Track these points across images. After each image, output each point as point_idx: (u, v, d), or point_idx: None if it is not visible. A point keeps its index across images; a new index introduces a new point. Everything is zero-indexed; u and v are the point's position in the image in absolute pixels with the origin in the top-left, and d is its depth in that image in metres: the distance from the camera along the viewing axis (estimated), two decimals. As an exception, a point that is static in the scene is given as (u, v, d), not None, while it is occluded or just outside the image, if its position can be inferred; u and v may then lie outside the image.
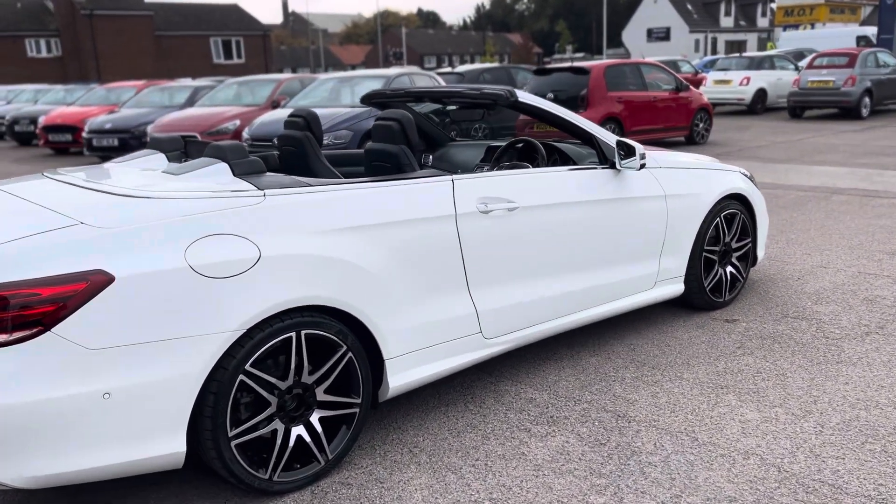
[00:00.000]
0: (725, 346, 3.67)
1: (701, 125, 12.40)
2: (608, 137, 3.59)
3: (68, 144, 14.41)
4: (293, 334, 2.46)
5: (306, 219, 2.55)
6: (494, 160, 4.06)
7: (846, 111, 15.91)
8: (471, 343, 3.04)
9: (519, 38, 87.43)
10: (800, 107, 16.39)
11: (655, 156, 3.88)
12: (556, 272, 3.33)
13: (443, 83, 11.08)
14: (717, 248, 4.12)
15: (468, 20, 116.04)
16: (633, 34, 60.73)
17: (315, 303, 2.51)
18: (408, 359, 2.82)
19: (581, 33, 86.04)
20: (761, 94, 18.05)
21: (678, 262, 3.92)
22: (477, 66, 13.84)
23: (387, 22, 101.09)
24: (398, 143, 3.18)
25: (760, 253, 4.46)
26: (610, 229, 3.51)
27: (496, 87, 3.40)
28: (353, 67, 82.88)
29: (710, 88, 18.33)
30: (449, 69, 13.66)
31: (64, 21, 40.16)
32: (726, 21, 58.21)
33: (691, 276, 4.02)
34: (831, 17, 51.00)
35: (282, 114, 9.71)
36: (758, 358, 3.51)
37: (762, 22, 59.93)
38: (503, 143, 4.18)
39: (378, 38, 74.93)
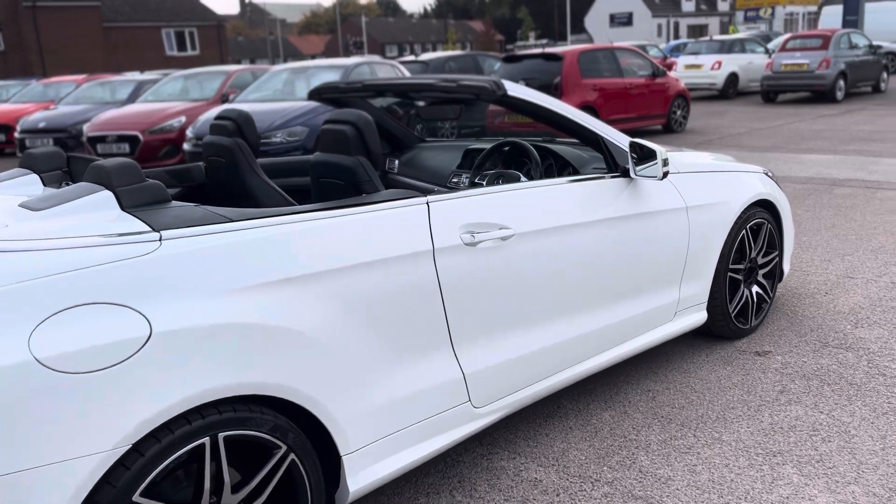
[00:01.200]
0: (764, 391, 3.00)
1: (679, 112, 11.81)
2: (619, 139, 2.88)
3: (2, 145, 13.30)
4: (206, 440, 1.71)
5: (223, 271, 1.79)
6: (476, 167, 3.32)
7: (820, 94, 15.49)
8: (457, 416, 2.31)
9: (481, 25, 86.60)
10: (773, 91, 15.93)
11: (671, 157, 3.18)
12: (562, 313, 2.61)
13: (406, 73, 10.29)
14: (741, 266, 3.45)
15: (428, 8, 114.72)
16: (595, 20, 60.34)
17: (238, 392, 1.75)
18: (374, 449, 2.08)
19: (543, 20, 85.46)
20: (733, 78, 17.57)
21: (701, 287, 3.24)
22: (441, 53, 13.05)
23: (346, 11, 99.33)
24: (353, 154, 2.42)
25: (786, 266, 3.80)
26: (624, 254, 2.80)
27: (478, 79, 2.65)
28: (314, 58, 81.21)
29: (681, 73, 17.78)
30: (412, 58, 12.86)
31: (5, 13, 38.25)
32: (688, 6, 58.11)
33: (715, 301, 3.34)
34: (791, 0, 51.13)
35: (230, 109, 8.82)
36: (808, 407, 2.84)
37: (723, 6, 59.99)
38: (485, 146, 3.45)
39: (337, 28, 73.46)
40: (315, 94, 3.39)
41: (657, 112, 11.38)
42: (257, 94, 9.54)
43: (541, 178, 3.09)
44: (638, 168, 2.79)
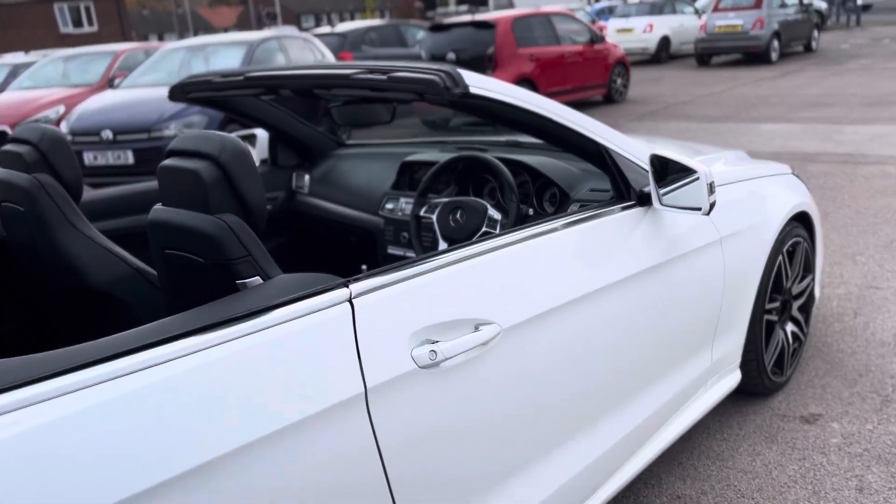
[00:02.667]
0: (837, 485, 2.16)
1: (619, 81, 11.03)
2: (632, 150, 1.94)
3: None
4: None
5: None
6: (421, 192, 2.35)
7: (754, 56, 15.03)
8: None
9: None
10: (707, 53, 15.37)
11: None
12: (574, 435, 1.69)
13: (322, 48, 9.11)
14: (776, 304, 2.60)
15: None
16: (515, -16, 59.31)
17: None
18: None
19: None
20: (665, 41, 16.96)
21: (734, 342, 2.37)
22: (360, 23, 11.85)
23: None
24: (216, 209, 1.41)
25: (818, 290, 2.98)
26: (648, 323, 1.89)
27: (420, 68, 1.66)
28: (226, 31, 77.43)
29: (613, 39, 17.06)
30: (328, 29, 11.62)
31: None
32: (606, -33, 57.68)
33: (749, 356, 2.48)
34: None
35: (113, 97, 7.51)
36: (906, 517, 2.02)
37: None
38: (428, 158, 2.47)
39: (249, -1, 70.19)
40: (178, 94, 2.31)
41: (597, 82, 10.57)
42: (148, 76, 8.21)
43: (517, 208, 2.13)
44: (664, 194, 1.86)
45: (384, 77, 1.70)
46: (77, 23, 39.13)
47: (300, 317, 1.20)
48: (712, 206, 1.79)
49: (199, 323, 1.14)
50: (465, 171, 2.37)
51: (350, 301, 1.27)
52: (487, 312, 1.44)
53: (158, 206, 1.52)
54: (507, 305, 1.48)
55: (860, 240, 4.24)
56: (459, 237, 2.19)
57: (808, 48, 16.49)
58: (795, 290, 2.73)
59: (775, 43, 14.78)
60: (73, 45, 36.58)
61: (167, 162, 1.47)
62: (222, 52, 8.07)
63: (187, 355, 1.08)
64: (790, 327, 2.72)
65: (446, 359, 1.34)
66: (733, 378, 2.42)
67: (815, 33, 16.55)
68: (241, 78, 2.14)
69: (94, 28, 39.66)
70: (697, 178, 1.80)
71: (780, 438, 2.43)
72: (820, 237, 2.91)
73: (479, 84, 1.63)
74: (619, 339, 1.77)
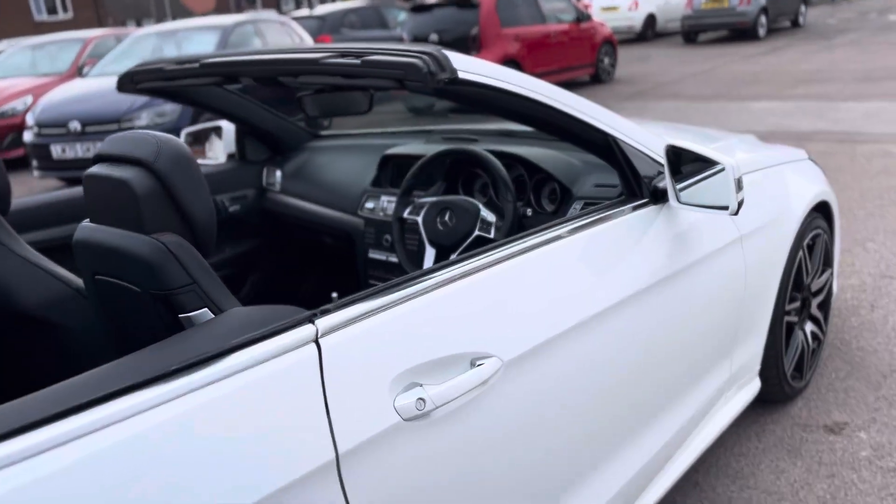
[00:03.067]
0: (870, 510, 1.96)
1: (606, 60, 10.77)
2: (644, 141, 1.70)
3: None
4: None
5: None
6: (404, 191, 2.09)
7: (741, 32, 14.80)
8: None
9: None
10: (694, 30, 15.12)
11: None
12: (581, 474, 1.46)
13: (300, 31, 8.78)
14: (797, 303, 2.37)
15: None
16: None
17: None
18: None
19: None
20: (651, 19, 16.68)
21: (754, 348, 2.15)
22: (339, 5, 11.49)
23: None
24: (151, 227, 1.15)
25: (836, 284, 2.77)
26: (666, 339, 1.66)
27: (404, 50, 1.40)
28: (205, 15, 75.94)
29: (598, 17, 16.75)
30: (306, 12, 11.26)
31: None
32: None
33: (768, 361, 2.26)
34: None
35: (81, 86, 7.17)
36: (953, 545, 1.81)
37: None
38: (412, 151, 2.22)
39: (227, -18, 68.98)
40: (127, 84, 2.04)
41: (585, 62, 10.30)
42: (118, 64, 7.85)
43: (514, 209, 1.89)
44: (682, 190, 1.63)
45: (358, 61, 1.45)
46: (52, 10, 38.25)
47: (253, 366, 0.96)
48: (740, 204, 1.56)
49: (121, 379, 0.89)
50: (453, 166, 2.12)
51: (316, 341, 1.02)
52: (485, 344, 1.20)
53: (86, 222, 1.26)
54: (509, 333, 1.24)
55: (868, 224, 4.03)
56: (449, 242, 1.94)
57: (795, 23, 16.28)
58: (815, 286, 2.51)
59: (763, 18, 14.55)
60: (47, 32, 35.73)
61: (93, 170, 1.21)
62: (195, 38, 7.73)
63: (107, 426, 0.84)
64: (809, 327, 2.51)
65: (437, 407, 1.10)
66: (753, 387, 2.20)
67: (803, 8, 16.34)
68: (196, 65, 1.87)
69: (70, 15, 38.79)
70: (723, 171, 1.56)
71: (805, 452, 2.22)
72: (838, 227, 2.70)
73: (469, 67, 1.37)
74: (636, 360, 1.54)
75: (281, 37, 8.44)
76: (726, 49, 13.58)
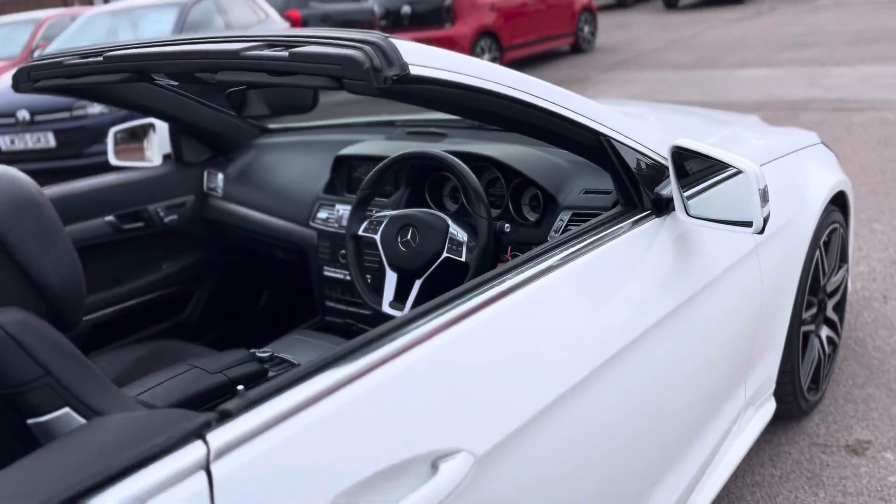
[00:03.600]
0: (908, 553, 1.70)
1: (586, 28, 10.39)
2: (643, 139, 1.39)
3: None
4: None
5: None
6: (360, 201, 1.78)
7: (724, -4, 14.45)
8: None
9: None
10: (675, -5, 14.74)
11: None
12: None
13: (266, 7, 8.32)
14: (813, 309, 2.10)
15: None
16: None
17: None
18: None
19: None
20: (630, -16, 16.25)
21: (770, 366, 1.87)
22: (308, -22, 10.97)
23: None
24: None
25: (849, 280, 2.50)
26: (680, 377, 1.38)
27: (342, 39, 1.06)
28: (174, -9, 73.84)
29: (576, -18, 16.29)
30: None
31: None
32: None
33: (784, 378, 1.99)
34: None
35: (31, 72, 6.71)
36: None
37: None
38: (369, 152, 1.89)
39: (196, -44, 67.18)
40: (23, 82, 1.69)
41: (564, 30, 9.93)
42: (71, 45, 7.39)
43: (488, 227, 1.58)
44: (690, 198, 1.33)
45: (286, 54, 1.12)
46: (12, -11, 36.98)
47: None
48: (766, 220, 1.26)
49: None
50: (417, 168, 1.81)
51: (206, 468, 0.72)
52: (450, 435, 0.90)
53: None
54: (481, 417, 0.94)
55: (872, 202, 3.77)
56: (413, 266, 1.63)
57: (777, -15, 15.92)
58: (830, 286, 2.23)
59: (745, -19, 14.20)
60: (10, 10, 34.53)
61: None
62: (151, 17, 7.28)
63: None
64: (825, 332, 2.23)
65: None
66: (768, 409, 1.93)
67: (785, -31, 15.96)
68: (99, 59, 1.53)
69: (31, -6, 37.53)
70: (743, 177, 1.26)
71: (827, 479, 1.96)
72: (853, 217, 2.42)
73: (423, 60, 1.06)
74: (646, 412, 1.26)
75: (245, 13, 7.99)
76: (708, 14, 13.24)
